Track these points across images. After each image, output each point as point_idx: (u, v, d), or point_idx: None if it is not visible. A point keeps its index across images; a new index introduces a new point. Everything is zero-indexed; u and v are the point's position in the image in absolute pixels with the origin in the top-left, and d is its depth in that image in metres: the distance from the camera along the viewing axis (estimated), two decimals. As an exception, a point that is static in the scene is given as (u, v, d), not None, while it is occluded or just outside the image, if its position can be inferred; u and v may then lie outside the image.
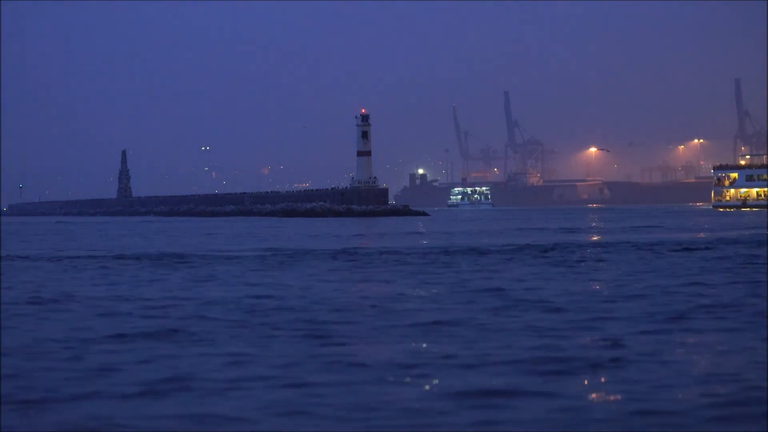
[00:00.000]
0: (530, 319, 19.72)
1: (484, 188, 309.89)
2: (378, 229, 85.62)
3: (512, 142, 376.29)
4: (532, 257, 40.55)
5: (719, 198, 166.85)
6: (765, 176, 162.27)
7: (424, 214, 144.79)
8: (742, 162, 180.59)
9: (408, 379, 13.53)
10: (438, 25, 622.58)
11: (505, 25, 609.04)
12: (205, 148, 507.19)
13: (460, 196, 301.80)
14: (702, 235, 62.70)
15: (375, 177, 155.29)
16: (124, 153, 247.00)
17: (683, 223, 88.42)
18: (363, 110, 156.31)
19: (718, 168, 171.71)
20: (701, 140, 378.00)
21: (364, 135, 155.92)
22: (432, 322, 19.31)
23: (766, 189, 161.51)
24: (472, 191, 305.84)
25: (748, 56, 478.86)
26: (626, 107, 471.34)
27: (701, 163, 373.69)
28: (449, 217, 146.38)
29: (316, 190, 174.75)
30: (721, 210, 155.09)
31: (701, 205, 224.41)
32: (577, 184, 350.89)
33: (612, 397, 12.31)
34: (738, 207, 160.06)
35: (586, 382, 13.26)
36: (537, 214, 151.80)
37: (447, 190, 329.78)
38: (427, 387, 13.03)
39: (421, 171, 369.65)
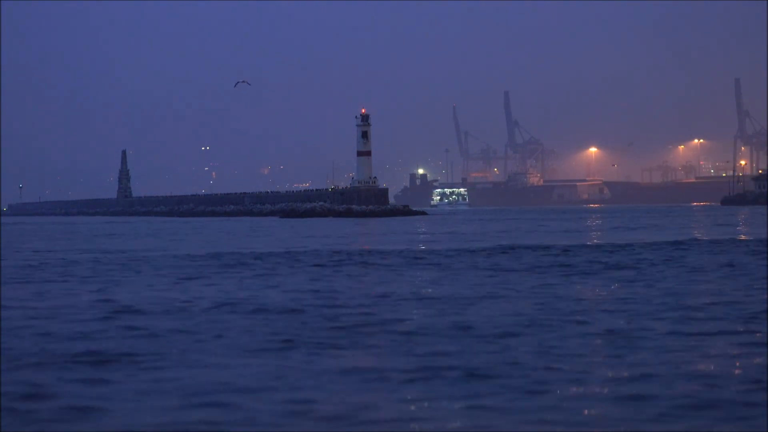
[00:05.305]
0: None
1: (462, 189, 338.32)
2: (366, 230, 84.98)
3: (512, 142, 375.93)
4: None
5: None
6: None
7: (423, 214, 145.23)
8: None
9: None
10: (439, 25, 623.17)
11: (506, 25, 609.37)
12: (205, 148, 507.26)
13: (439, 197, 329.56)
14: None
15: (375, 177, 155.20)
16: (124, 153, 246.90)
17: None
18: (363, 110, 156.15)
19: None
20: (701, 140, 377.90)
21: (364, 135, 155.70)
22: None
23: None
24: (450, 192, 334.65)
25: (748, 56, 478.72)
26: (626, 107, 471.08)
27: (701, 163, 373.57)
28: (447, 218, 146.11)
29: (316, 190, 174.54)
30: None
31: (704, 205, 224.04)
32: (577, 184, 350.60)
33: None
34: None
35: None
36: (509, 213, 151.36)
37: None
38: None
39: (421, 171, 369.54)
